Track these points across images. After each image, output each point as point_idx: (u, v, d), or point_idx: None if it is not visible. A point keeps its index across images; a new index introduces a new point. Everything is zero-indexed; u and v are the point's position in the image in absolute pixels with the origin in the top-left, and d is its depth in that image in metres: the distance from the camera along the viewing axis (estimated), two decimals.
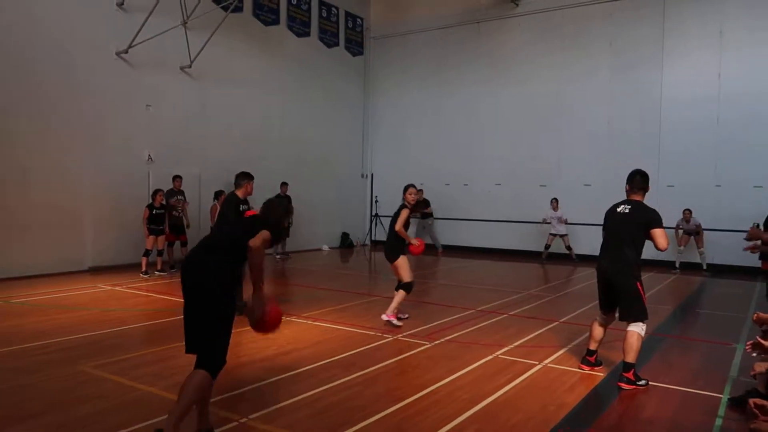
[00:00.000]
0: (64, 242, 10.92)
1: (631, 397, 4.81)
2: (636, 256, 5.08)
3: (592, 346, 5.42)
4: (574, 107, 15.24)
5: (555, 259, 14.65)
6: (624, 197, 5.32)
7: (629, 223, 5.06)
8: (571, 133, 15.27)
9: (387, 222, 18.68)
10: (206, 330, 3.56)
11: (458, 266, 13.86)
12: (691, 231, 13.09)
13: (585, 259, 13.76)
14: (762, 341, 2.75)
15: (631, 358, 4.96)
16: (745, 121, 13.05)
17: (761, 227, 7.62)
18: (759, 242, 5.82)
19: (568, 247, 14.46)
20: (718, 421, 4.24)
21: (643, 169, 5.39)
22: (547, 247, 14.70)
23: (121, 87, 11.75)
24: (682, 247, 13.16)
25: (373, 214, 17.82)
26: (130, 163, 11.98)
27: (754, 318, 4.51)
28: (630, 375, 4.97)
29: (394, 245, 7.17)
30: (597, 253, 5.43)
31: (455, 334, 6.76)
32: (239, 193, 7.34)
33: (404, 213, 7.07)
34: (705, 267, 13.09)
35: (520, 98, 16.02)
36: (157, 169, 12.32)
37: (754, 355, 2.71)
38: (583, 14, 15.13)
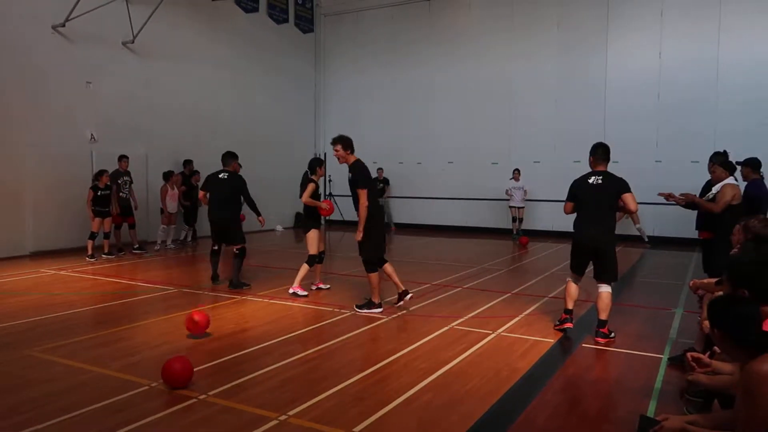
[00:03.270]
0: (1, 225, 10.41)
1: (578, 361, 5.04)
2: (614, 224, 5.64)
3: (570, 306, 5.71)
4: (523, 86, 15.50)
5: (506, 233, 14.86)
6: (580, 171, 5.82)
7: (605, 193, 5.47)
8: (520, 111, 15.55)
9: (342, 201, 18.59)
10: None
11: (413, 243, 14.01)
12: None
13: (533, 234, 14.11)
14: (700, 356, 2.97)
15: (605, 315, 5.54)
16: (684, 98, 13.61)
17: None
18: (675, 195, 6.40)
19: (520, 220, 14.30)
20: (659, 378, 4.52)
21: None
22: (514, 220, 14.41)
23: (59, 62, 11.18)
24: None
25: (327, 193, 17.73)
26: (72, 142, 11.47)
27: (690, 284, 4.80)
28: (605, 330, 5.53)
29: (304, 218, 7.67)
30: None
31: (412, 308, 6.87)
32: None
33: (310, 186, 7.48)
34: (646, 239, 13.66)
35: (470, 77, 16.17)
36: (101, 149, 11.84)
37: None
38: None
